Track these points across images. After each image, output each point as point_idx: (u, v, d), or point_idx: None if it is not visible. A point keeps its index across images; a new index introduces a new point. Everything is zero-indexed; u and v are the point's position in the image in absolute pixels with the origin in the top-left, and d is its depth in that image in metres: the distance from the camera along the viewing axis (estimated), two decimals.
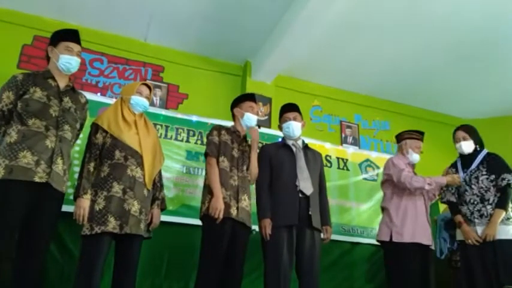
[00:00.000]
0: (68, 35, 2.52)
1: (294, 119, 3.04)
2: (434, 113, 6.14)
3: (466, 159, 3.24)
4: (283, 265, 2.61)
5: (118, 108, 2.64)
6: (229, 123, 3.11)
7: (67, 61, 2.45)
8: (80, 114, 2.55)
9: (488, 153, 3.19)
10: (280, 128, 3.15)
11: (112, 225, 2.34)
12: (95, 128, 2.56)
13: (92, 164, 2.48)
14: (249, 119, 2.98)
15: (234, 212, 2.68)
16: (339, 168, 4.60)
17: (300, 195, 2.79)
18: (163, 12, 4.38)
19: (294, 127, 3.02)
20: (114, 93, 4.46)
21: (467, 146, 3.22)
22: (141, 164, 2.54)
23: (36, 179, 2.20)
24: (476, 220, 3.03)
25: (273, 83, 5.18)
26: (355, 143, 5.53)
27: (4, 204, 2.14)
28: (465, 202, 3.14)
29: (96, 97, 3.87)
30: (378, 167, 4.65)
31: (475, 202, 3.08)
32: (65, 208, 2.48)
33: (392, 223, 3.10)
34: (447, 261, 4.08)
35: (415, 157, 3.28)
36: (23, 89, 2.32)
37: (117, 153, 2.49)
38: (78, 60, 2.51)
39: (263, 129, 4.46)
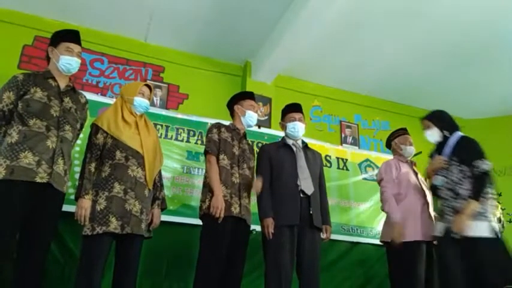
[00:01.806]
0: (69, 36, 2.52)
1: (300, 119, 3.05)
2: None
3: (439, 149, 2.94)
4: (284, 265, 2.61)
5: (118, 108, 2.65)
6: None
7: (67, 62, 2.45)
8: (80, 115, 2.56)
9: (461, 139, 2.87)
10: (282, 126, 3.14)
11: (114, 225, 2.35)
12: (95, 128, 2.56)
13: (93, 164, 2.48)
14: (251, 117, 2.99)
15: (236, 209, 2.68)
16: (338, 168, 4.61)
17: (301, 195, 2.78)
18: (164, 13, 4.39)
19: (300, 128, 3.03)
20: (115, 94, 4.47)
21: (431, 135, 3.00)
22: (142, 164, 2.54)
23: (38, 180, 2.21)
24: (450, 217, 2.71)
25: (273, 83, 5.18)
26: (355, 143, 5.54)
27: (5, 204, 2.15)
28: (440, 197, 2.84)
29: (97, 97, 3.88)
30: (377, 167, 4.65)
31: (449, 198, 2.75)
32: (66, 208, 2.48)
33: (391, 224, 3.11)
34: None
35: (409, 150, 3.37)
36: (23, 89, 2.32)
37: (118, 154, 2.50)
38: (79, 61, 2.51)
39: (263, 129, 4.49)
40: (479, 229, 2.58)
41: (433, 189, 2.91)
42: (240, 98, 3.06)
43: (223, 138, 2.84)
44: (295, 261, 2.70)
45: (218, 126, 2.92)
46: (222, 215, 2.59)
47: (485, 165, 2.66)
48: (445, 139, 2.90)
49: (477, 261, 2.56)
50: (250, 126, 3.05)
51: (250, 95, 3.09)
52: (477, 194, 2.62)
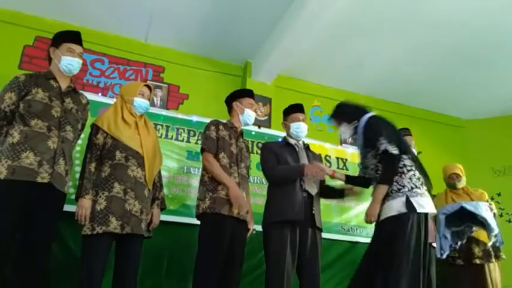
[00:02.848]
0: (70, 37, 2.53)
1: (303, 120, 3.06)
2: (434, 113, 6.16)
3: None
4: (286, 264, 2.60)
5: (118, 109, 2.66)
6: None
7: (69, 62, 2.46)
8: (81, 115, 2.56)
9: (365, 124, 2.60)
10: (285, 125, 3.12)
11: (113, 225, 2.36)
12: (95, 128, 2.57)
13: (93, 165, 2.50)
14: (250, 116, 2.97)
15: (236, 210, 2.66)
16: (338, 168, 4.61)
17: (304, 194, 2.78)
18: (164, 13, 4.39)
19: (304, 128, 3.03)
20: (115, 94, 4.47)
21: (344, 132, 2.77)
22: (142, 165, 2.55)
23: (39, 180, 2.22)
24: None
25: (273, 83, 5.19)
26: (355, 143, 5.54)
27: (6, 204, 2.15)
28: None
29: (97, 97, 3.88)
30: None
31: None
32: (67, 208, 2.49)
33: None
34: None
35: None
36: (25, 90, 2.33)
37: (118, 154, 2.51)
38: (80, 61, 2.52)
39: (263, 129, 4.49)
40: (390, 208, 2.38)
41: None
42: (240, 95, 3.04)
43: (221, 136, 2.81)
44: (296, 260, 2.69)
45: (216, 123, 2.89)
46: (244, 204, 2.62)
47: (381, 145, 2.42)
48: (357, 130, 2.66)
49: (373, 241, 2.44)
50: (247, 125, 3.03)
51: (250, 93, 3.07)
52: (383, 177, 2.42)
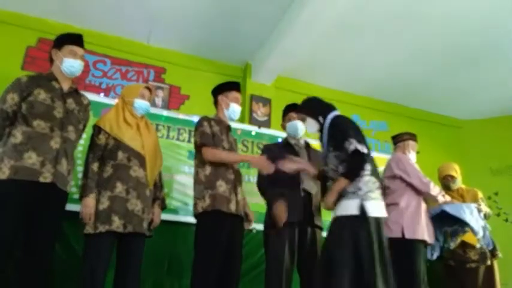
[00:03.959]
0: (72, 39, 2.54)
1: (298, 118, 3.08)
2: (432, 114, 6.17)
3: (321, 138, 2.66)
4: (285, 263, 2.62)
5: (119, 110, 2.70)
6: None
7: (71, 65, 2.47)
8: (82, 116, 2.58)
9: (332, 122, 2.58)
10: (283, 126, 3.16)
11: (116, 224, 2.40)
12: (98, 129, 2.61)
13: (96, 164, 2.53)
14: (235, 111, 2.91)
15: (233, 207, 2.66)
16: None
17: (303, 193, 2.80)
18: (166, 15, 4.43)
19: (299, 126, 3.03)
20: (117, 94, 4.48)
21: (309, 126, 2.73)
22: (143, 165, 2.59)
23: (41, 179, 2.23)
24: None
25: (273, 84, 5.21)
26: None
27: (9, 203, 2.17)
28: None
29: (99, 98, 3.91)
30: None
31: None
32: (69, 207, 2.52)
33: (403, 219, 3.10)
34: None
35: (413, 157, 3.40)
36: (27, 91, 2.34)
37: (120, 154, 2.55)
38: (82, 63, 2.53)
39: (263, 130, 4.52)
40: (344, 208, 2.36)
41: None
42: (226, 88, 2.97)
43: (215, 132, 2.80)
44: (296, 259, 2.71)
45: (208, 119, 2.85)
46: (272, 170, 2.61)
47: (351, 145, 2.39)
48: (323, 126, 2.63)
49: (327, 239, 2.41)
50: (232, 120, 2.97)
51: (236, 86, 2.99)
52: (348, 172, 2.39)
